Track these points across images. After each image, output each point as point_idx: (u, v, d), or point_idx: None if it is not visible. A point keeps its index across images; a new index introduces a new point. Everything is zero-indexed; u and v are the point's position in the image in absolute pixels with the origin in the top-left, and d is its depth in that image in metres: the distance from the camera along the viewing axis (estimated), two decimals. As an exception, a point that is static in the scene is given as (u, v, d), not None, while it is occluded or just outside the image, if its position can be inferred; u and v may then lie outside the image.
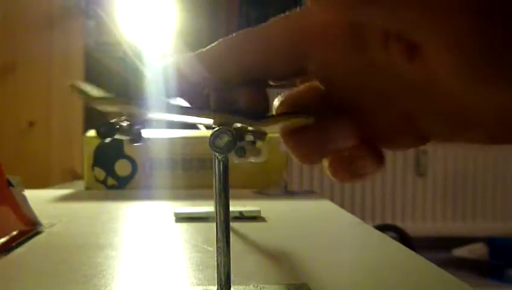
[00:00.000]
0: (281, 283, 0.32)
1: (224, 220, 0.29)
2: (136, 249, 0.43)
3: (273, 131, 0.31)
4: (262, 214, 0.56)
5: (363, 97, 0.26)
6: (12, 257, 0.40)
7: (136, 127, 0.33)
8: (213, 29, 2.13)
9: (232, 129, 0.27)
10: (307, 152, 0.28)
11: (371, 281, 0.35)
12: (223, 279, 0.29)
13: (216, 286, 0.29)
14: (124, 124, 0.32)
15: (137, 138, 0.33)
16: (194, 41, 2.21)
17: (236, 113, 0.28)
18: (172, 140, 0.81)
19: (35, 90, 1.54)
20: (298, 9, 0.26)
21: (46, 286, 0.33)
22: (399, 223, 2.55)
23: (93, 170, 0.79)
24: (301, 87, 0.31)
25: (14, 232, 0.45)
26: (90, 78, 1.74)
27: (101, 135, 0.30)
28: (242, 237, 0.47)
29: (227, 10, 2.18)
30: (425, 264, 0.38)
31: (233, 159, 0.40)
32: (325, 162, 0.28)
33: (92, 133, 0.81)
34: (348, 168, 0.28)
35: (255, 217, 0.55)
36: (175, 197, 0.72)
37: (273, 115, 0.29)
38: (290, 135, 0.29)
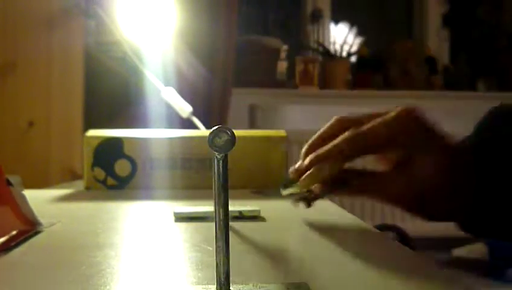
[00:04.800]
0: (280, 282, 0.32)
1: (224, 220, 0.29)
2: (135, 248, 0.43)
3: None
4: (262, 214, 0.56)
5: None
6: (11, 256, 0.40)
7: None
8: (213, 29, 2.13)
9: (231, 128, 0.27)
10: None
11: (370, 280, 0.35)
12: (222, 278, 0.29)
13: (215, 285, 0.29)
14: None
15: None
16: (194, 41, 2.22)
17: None
18: (172, 140, 0.81)
19: (35, 90, 1.54)
20: None
21: (46, 285, 0.33)
22: (399, 223, 2.55)
23: (93, 170, 0.79)
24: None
25: (14, 232, 0.45)
26: (90, 78, 1.74)
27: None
28: (241, 236, 0.47)
29: (227, 10, 2.18)
30: (425, 264, 0.38)
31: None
32: None
33: (91, 133, 0.81)
34: None
35: (254, 217, 0.55)
36: (175, 197, 0.72)
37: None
38: None
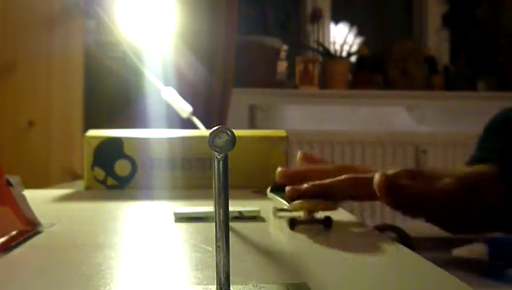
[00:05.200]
0: (280, 283, 0.32)
1: (224, 220, 0.29)
2: (135, 249, 0.43)
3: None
4: (262, 214, 0.56)
5: None
6: (11, 256, 0.40)
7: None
8: (213, 29, 2.13)
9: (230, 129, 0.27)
10: None
11: (370, 281, 0.35)
12: (222, 278, 0.29)
13: (215, 285, 0.29)
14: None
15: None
16: (194, 41, 2.22)
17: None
18: (172, 140, 0.81)
19: (35, 90, 1.54)
20: None
21: (46, 285, 0.33)
22: (399, 223, 2.55)
23: (93, 169, 0.79)
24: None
25: (14, 232, 0.44)
26: (90, 78, 1.74)
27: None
28: (241, 236, 0.47)
29: (227, 10, 2.18)
30: (425, 264, 0.38)
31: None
32: None
33: (91, 133, 0.81)
34: None
35: (254, 217, 0.55)
36: (175, 197, 0.72)
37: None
38: None
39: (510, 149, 0.60)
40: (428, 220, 0.60)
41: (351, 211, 0.59)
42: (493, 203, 0.58)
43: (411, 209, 0.57)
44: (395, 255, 0.41)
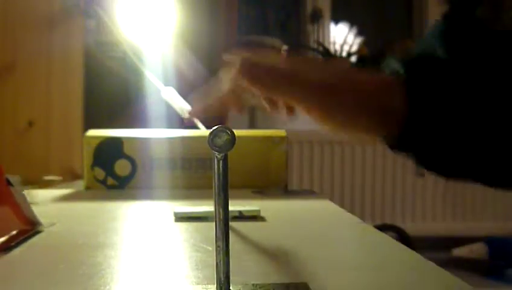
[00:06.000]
0: (280, 282, 0.32)
1: (224, 220, 0.29)
2: (135, 248, 0.43)
3: None
4: (262, 214, 0.56)
5: None
6: (12, 256, 0.40)
7: None
8: (213, 29, 2.13)
9: (231, 128, 0.27)
10: None
11: (370, 280, 0.35)
12: (222, 278, 0.29)
13: (215, 285, 0.29)
14: None
15: None
16: (194, 41, 2.22)
17: None
18: (172, 140, 0.81)
19: (35, 90, 1.54)
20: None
21: (46, 285, 0.33)
22: (399, 223, 2.55)
23: (92, 169, 0.79)
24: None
25: (14, 232, 0.45)
26: (90, 78, 1.74)
27: None
28: (241, 236, 0.47)
29: (227, 10, 2.18)
30: (425, 264, 0.38)
31: None
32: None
33: (91, 132, 0.81)
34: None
35: (254, 217, 0.55)
36: (175, 197, 0.72)
37: None
38: None
39: (419, 59, 0.56)
40: (297, 99, 0.54)
41: (352, 211, 0.59)
42: (392, 110, 0.53)
43: (273, 82, 0.54)
44: (395, 255, 0.41)
